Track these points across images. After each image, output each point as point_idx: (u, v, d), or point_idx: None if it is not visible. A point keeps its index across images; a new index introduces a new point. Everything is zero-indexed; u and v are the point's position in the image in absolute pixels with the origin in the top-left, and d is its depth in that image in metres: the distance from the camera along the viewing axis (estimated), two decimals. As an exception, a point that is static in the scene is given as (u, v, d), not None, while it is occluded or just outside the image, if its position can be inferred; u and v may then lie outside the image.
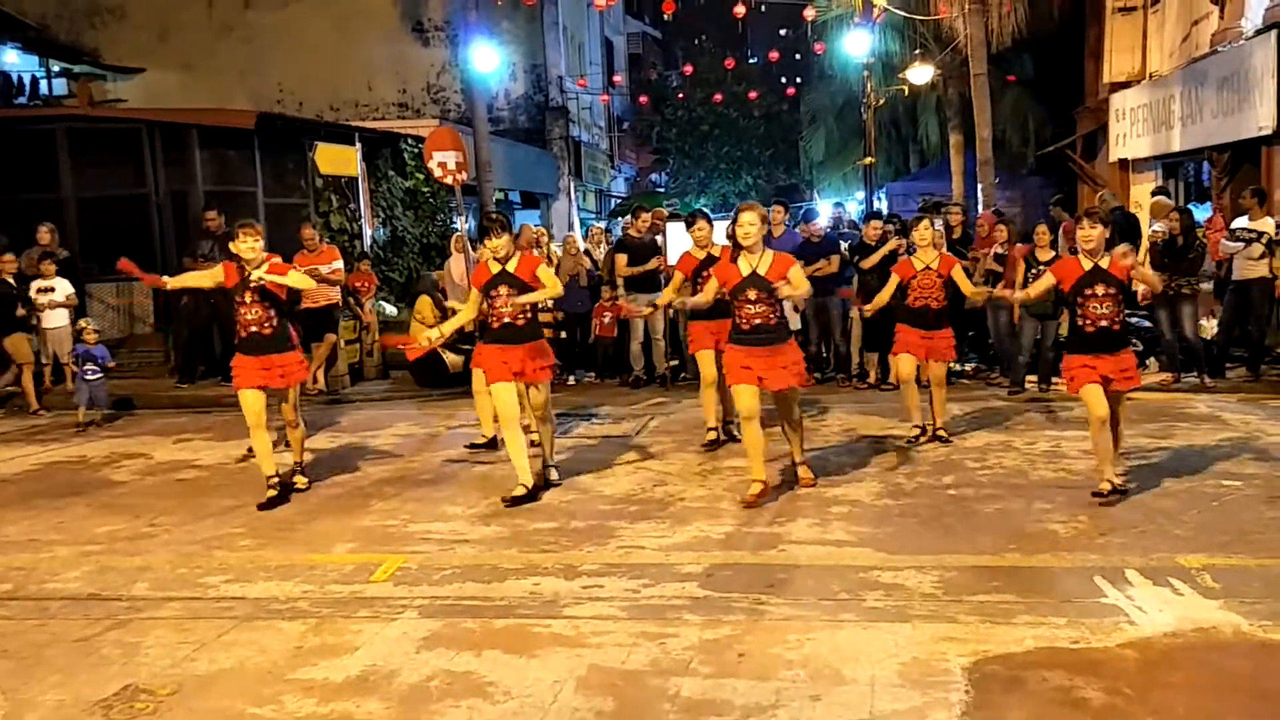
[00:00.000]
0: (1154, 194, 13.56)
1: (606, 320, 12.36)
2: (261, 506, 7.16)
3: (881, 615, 4.85)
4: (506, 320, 7.08)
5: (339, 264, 12.60)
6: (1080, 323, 6.68)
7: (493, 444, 8.58)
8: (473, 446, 8.76)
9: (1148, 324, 11.37)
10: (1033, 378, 10.67)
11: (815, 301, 11.45)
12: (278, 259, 7.48)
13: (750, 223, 6.84)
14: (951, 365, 11.55)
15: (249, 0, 22.87)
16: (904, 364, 8.58)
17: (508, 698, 4.15)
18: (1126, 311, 6.95)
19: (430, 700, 4.15)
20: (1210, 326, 11.27)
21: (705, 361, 8.44)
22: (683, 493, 7.21)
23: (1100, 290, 6.58)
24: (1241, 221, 10.77)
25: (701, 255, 8.48)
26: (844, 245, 12.17)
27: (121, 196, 14.42)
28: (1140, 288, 10.96)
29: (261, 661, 4.59)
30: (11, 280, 11.54)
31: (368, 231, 16.32)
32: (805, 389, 7.60)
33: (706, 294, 7.39)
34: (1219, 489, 6.81)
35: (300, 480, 7.63)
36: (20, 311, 11.46)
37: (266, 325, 7.26)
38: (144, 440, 9.95)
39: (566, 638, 4.72)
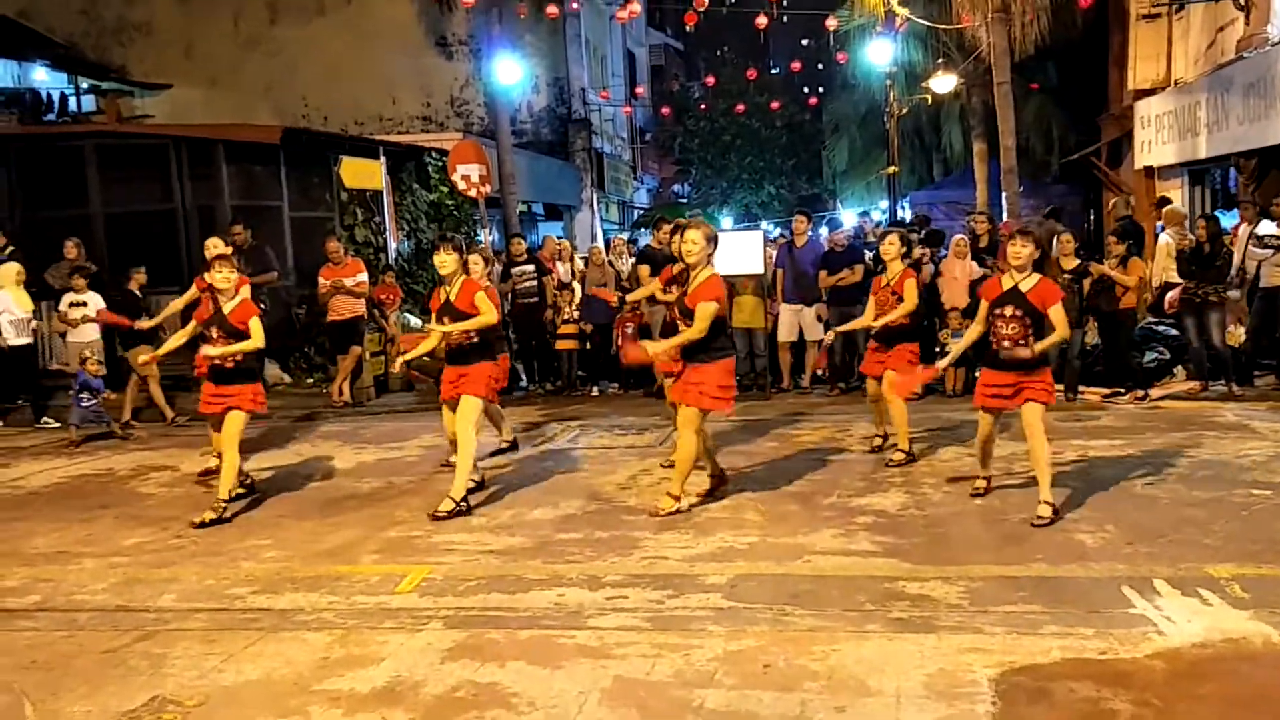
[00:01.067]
0: (1158, 204, 13.52)
1: (629, 331, 12.35)
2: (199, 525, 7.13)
3: (907, 626, 4.83)
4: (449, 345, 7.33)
5: (363, 277, 12.72)
6: (990, 339, 6.62)
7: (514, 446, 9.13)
8: (497, 453, 9.10)
9: (1174, 332, 11.29)
10: (1059, 386, 10.58)
11: (839, 311, 11.46)
12: (246, 291, 7.51)
13: (693, 240, 6.67)
14: (975, 374, 11.56)
15: (274, 16, 23.07)
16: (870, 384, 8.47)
17: (532, 709, 4.15)
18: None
19: (455, 711, 4.16)
20: (1238, 334, 11.18)
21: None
22: (707, 503, 7.19)
23: (1009, 311, 6.47)
24: (1269, 228, 10.68)
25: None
26: (868, 255, 12.15)
27: (149, 211, 14.52)
28: (1170, 295, 10.94)
29: (288, 673, 4.61)
30: (138, 292, 11.57)
31: (392, 244, 16.39)
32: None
33: (643, 291, 7.32)
34: (1248, 498, 6.75)
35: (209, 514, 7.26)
36: (140, 323, 11.23)
37: (229, 360, 7.28)
38: (170, 453, 10.03)
39: (591, 649, 4.72)
